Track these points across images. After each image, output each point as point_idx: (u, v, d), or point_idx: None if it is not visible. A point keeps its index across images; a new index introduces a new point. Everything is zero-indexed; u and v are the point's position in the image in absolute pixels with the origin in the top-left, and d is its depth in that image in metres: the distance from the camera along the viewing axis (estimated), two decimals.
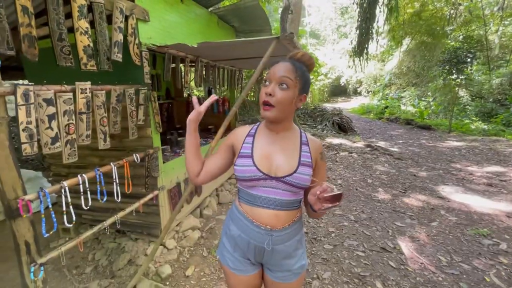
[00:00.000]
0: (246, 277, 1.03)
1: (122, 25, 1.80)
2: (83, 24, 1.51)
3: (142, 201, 2.03)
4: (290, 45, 2.04)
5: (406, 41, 14.70)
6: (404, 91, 14.37)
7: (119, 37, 1.78)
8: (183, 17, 2.63)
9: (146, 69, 2.10)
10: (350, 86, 22.36)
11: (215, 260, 2.33)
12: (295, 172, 0.91)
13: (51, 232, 1.37)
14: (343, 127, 8.70)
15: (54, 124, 1.36)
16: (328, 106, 14.57)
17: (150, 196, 2.13)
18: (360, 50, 9.97)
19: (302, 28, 20.04)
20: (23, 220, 1.25)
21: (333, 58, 21.28)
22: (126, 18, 1.88)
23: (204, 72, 2.94)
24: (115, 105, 1.80)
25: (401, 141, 7.54)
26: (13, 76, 3.65)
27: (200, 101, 4.47)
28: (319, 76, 16.41)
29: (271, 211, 0.94)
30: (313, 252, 2.49)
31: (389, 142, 7.41)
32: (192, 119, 0.96)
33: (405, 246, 2.54)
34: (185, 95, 4.91)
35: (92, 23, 1.60)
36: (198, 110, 0.95)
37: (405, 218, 3.11)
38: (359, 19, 9.41)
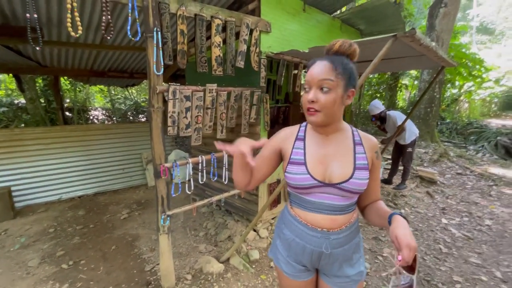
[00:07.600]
0: (298, 282, 1.01)
1: (247, 38, 2.15)
2: (218, 39, 1.94)
3: None
4: (414, 44, 1.75)
5: None
6: None
7: (243, 47, 2.13)
8: (303, 25, 2.78)
9: (263, 74, 2.39)
10: None
11: None
12: (351, 178, 0.87)
13: (176, 194, 1.87)
14: None
15: (188, 114, 1.84)
16: (494, 122, 10.83)
17: None
18: None
19: (465, 23, 15.89)
20: (162, 180, 1.77)
21: None
22: (251, 31, 2.22)
23: None
24: (233, 103, 2.17)
25: None
26: (180, 82, 5.10)
27: None
28: (484, 83, 12.40)
29: (328, 216, 0.91)
30: None
31: None
32: (239, 157, 0.90)
33: None
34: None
35: (223, 39, 2.01)
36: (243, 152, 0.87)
37: None
38: None
